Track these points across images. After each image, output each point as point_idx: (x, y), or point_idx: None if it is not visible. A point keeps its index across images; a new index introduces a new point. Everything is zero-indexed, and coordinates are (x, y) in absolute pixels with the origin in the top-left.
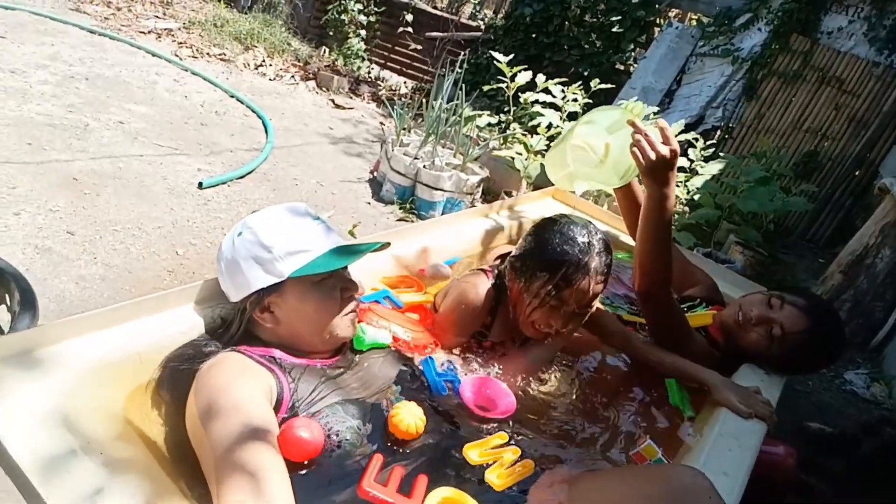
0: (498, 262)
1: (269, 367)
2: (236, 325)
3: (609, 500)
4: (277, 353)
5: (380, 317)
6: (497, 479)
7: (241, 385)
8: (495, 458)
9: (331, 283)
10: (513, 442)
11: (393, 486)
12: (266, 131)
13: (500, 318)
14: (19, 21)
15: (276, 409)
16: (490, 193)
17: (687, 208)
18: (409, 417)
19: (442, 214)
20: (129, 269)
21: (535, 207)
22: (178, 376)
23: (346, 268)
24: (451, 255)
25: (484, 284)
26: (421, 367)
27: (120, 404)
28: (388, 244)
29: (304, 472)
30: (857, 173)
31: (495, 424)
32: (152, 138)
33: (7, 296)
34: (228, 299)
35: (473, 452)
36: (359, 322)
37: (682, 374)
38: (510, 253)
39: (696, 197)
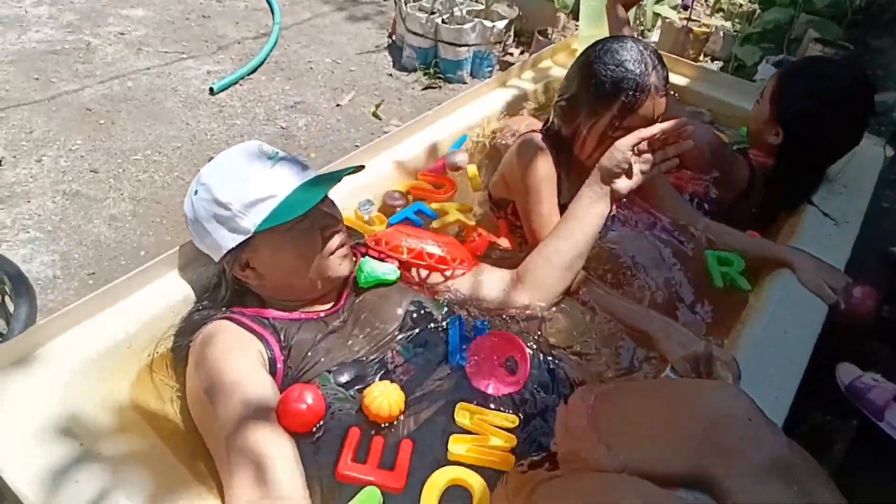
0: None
1: (259, 332)
2: (224, 287)
3: (636, 421)
4: (271, 312)
5: (409, 236)
6: (463, 450)
7: (235, 360)
8: (483, 432)
9: (305, 225)
10: (520, 429)
11: (373, 461)
12: (272, 11)
13: (563, 170)
14: None
15: (272, 375)
16: (523, 35)
17: (756, 6)
18: (381, 399)
19: (470, 72)
20: (156, 198)
21: (559, 61)
22: (178, 353)
23: (325, 200)
24: (457, 137)
25: (536, 140)
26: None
27: (125, 392)
28: (362, 167)
29: (305, 440)
30: None
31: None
32: (156, 45)
33: (4, 287)
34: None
35: (465, 418)
36: (364, 255)
37: (760, 254)
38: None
39: None
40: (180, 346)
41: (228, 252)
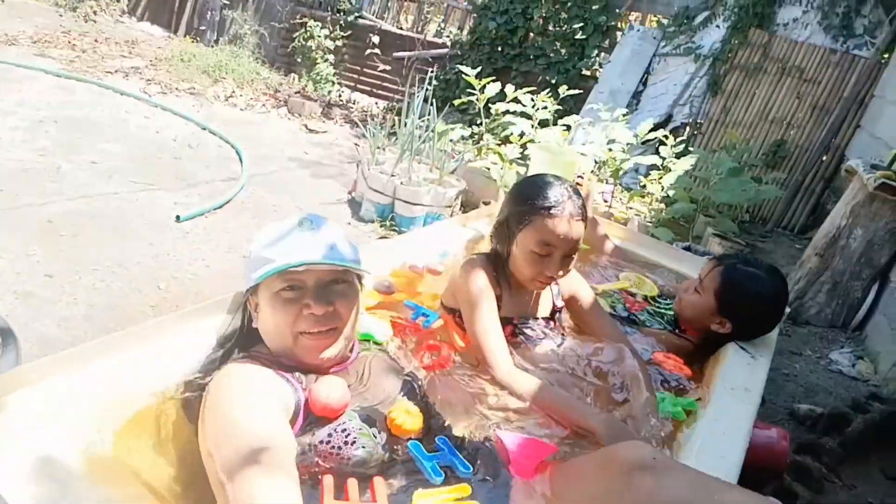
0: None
1: (283, 374)
2: (240, 316)
3: (584, 490)
4: (286, 360)
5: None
6: None
7: (247, 405)
8: None
9: (290, 295)
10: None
11: (354, 497)
12: (241, 161)
13: (505, 289)
14: None
15: (294, 417)
16: (469, 205)
17: (663, 205)
18: (403, 416)
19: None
20: (111, 306)
21: None
22: (190, 406)
23: (335, 286)
24: (439, 252)
25: (478, 260)
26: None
27: (109, 439)
28: (368, 273)
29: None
30: (824, 158)
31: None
32: (127, 175)
33: None
34: None
35: (426, 501)
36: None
37: (564, 416)
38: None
39: (671, 193)
40: (192, 398)
41: (248, 289)
